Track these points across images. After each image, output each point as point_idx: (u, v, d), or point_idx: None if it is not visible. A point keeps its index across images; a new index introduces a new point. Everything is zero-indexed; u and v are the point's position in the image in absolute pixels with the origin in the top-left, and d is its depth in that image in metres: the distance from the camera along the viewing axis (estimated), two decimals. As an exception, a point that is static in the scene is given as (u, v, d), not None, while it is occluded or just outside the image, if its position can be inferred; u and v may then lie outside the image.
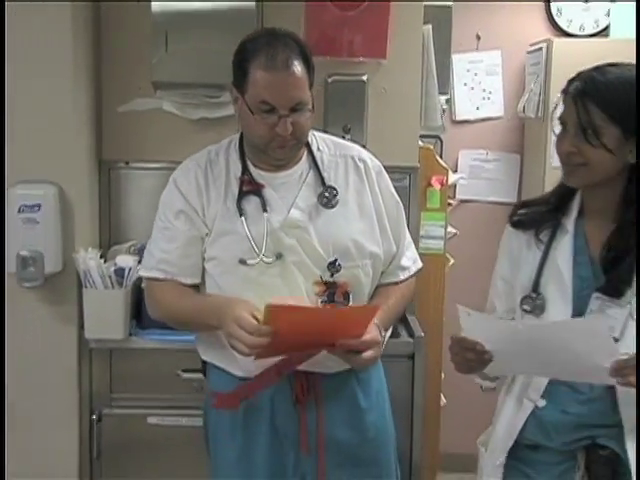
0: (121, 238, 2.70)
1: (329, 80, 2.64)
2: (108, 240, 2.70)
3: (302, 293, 1.74)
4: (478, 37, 3.48)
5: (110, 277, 2.36)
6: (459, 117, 3.57)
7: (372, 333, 1.64)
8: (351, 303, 1.75)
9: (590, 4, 3.44)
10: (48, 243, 2.32)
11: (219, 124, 2.59)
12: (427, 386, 2.56)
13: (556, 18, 3.48)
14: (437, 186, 2.78)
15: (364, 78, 2.65)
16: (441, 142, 3.25)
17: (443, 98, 2.94)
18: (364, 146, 2.49)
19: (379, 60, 2.64)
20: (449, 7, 2.93)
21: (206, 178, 1.78)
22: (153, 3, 2.46)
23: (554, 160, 3.12)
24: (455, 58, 3.42)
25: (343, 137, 2.55)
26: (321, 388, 1.75)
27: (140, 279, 2.39)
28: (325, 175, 1.78)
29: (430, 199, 2.78)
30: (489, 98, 3.53)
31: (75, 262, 2.36)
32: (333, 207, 1.76)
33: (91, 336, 2.39)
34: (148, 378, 2.42)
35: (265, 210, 1.74)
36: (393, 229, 1.84)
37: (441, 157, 3.04)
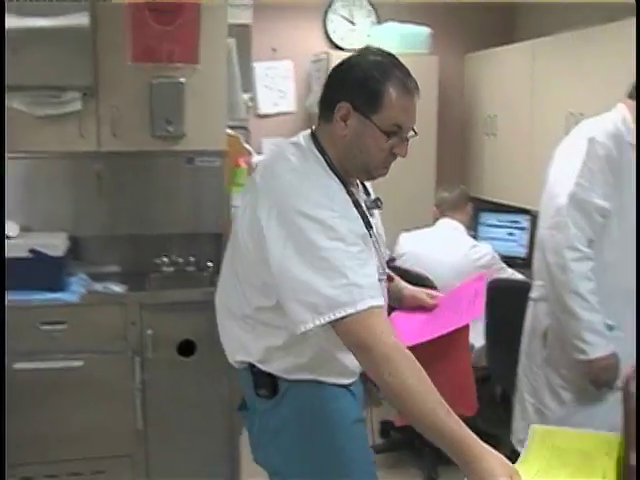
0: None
1: (154, 82, 3.03)
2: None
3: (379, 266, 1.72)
4: (274, 50, 4.13)
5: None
6: (261, 112, 4.19)
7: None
8: None
9: (355, 27, 4.23)
10: None
11: (61, 119, 2.99)
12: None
13: (332, 36, 4.22)
14: (244, 165, 3.27)
15: (182, 80, 3.06)
16: (248, 132, 3.78)
17: (247, 96, 3.49)
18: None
19: (193, 65, 3.05)
20: (248, 25, 3.52)
21: None
22: (7, 20, 2.75)
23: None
24: (257, 65, 4.04)
25: (167, 130, 3.00)
26: None
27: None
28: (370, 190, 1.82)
29: (238, 176, 3.24)
30: (284, 97, 4.14)
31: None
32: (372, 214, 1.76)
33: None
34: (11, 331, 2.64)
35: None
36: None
37: (248, 143, 3.57)
